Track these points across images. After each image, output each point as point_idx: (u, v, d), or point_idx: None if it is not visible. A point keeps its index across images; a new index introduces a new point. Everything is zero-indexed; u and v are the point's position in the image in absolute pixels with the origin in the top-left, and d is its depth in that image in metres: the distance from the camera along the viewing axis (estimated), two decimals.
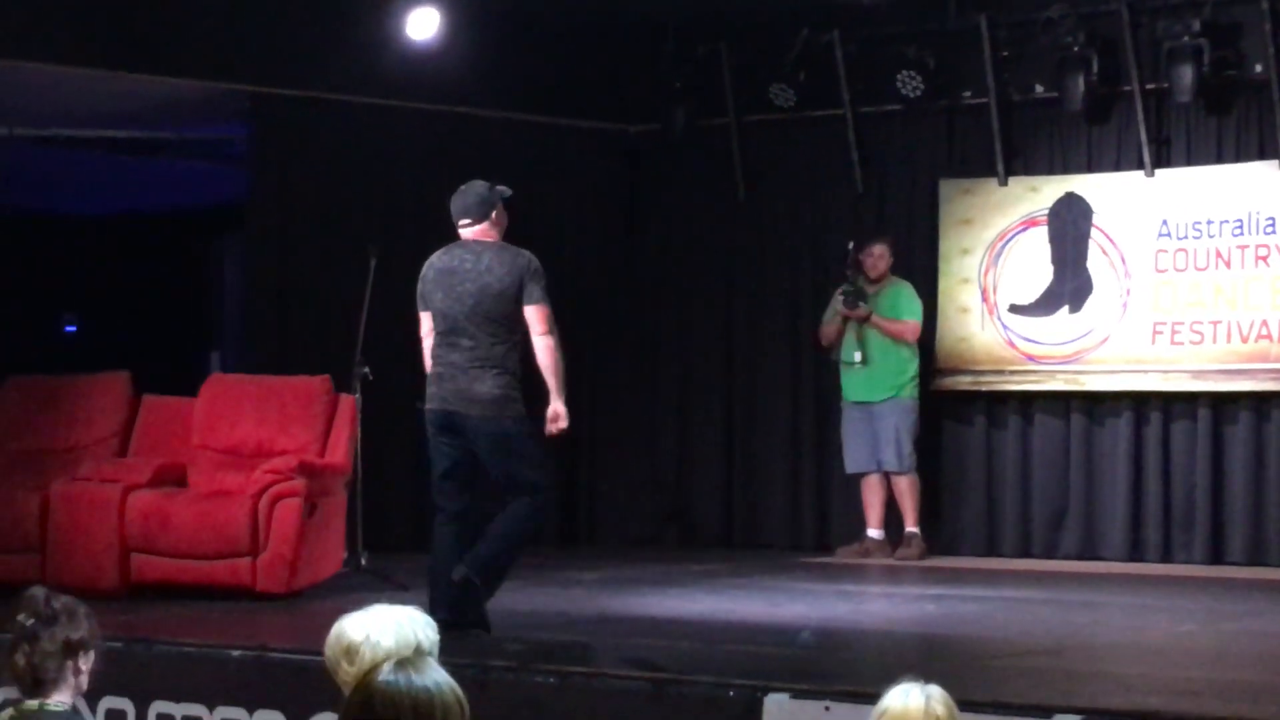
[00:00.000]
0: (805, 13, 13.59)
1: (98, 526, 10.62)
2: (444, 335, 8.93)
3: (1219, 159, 12.77)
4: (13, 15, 11.89)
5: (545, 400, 8.93)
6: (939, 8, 13.38)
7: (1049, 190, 13.23)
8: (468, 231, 9.11)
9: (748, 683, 7.12)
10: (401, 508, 13.47)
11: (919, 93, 13.35)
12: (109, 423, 11.51)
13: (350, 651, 4.39)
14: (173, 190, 17.29)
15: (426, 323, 9.11)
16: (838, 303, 13.11)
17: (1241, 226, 12.60)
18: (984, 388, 13.40)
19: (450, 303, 8.90)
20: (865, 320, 13.04)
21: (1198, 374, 12.67)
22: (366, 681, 3.66)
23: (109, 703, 7.94)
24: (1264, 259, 12.53)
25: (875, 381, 13.06)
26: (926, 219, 13.67)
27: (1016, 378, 13.26)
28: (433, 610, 8.65)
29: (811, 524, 14.05)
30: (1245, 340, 12.55)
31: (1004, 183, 13.36)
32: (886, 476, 13.09)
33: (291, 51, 13.03)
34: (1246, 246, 12.59)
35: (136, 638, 8.40)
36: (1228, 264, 12.64)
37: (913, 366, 13.11)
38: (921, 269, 13.63)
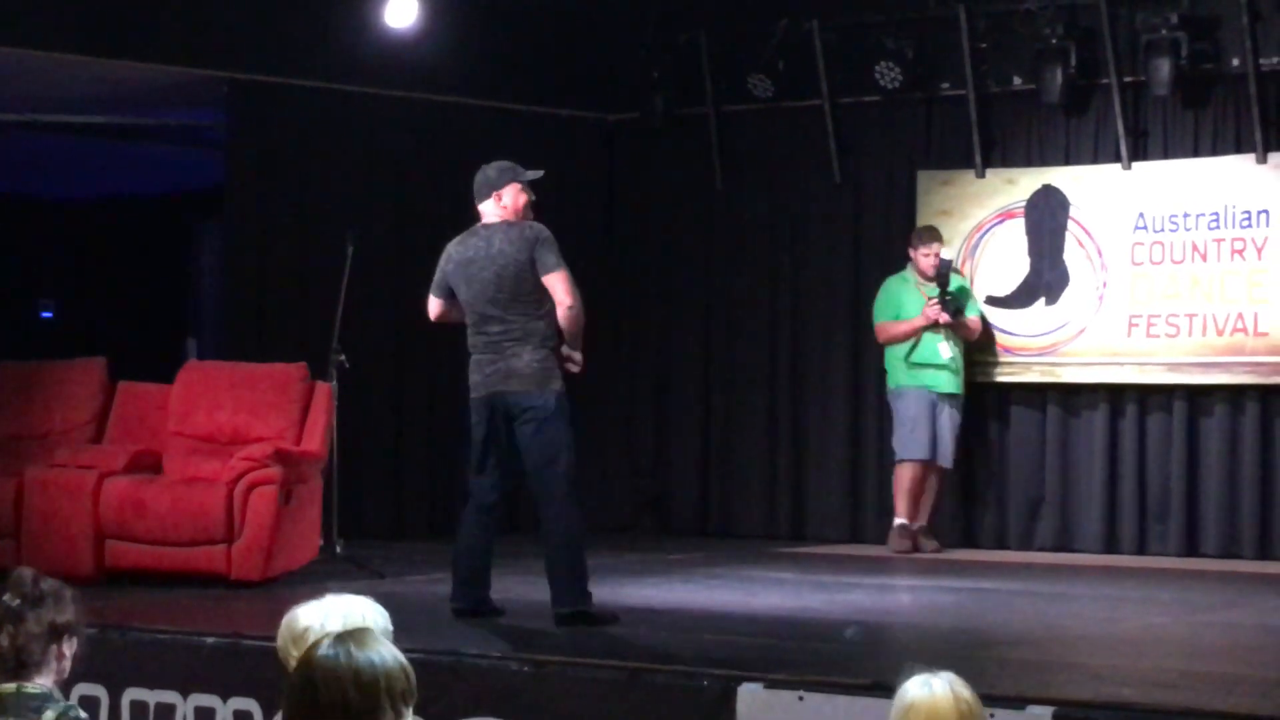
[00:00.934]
0: (784, 2, 13.60)
1: (73, 513, 10.60)
2: (475, 325, 9.02)
3: (1196, 152, 12.80)
4: None
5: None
6: None
7: (1026, 182, 13.25)
8: (482, 211, 9.21)
9: (722, 672, 7.13)
10: (377, 495, 13.50)
11: (897, 83, 13.37)
12: (85, 409, 11.50)
13: (300, 640, 4.40)
14: (150, 176, 17.27)
15: (436, 308, 9.25)
16: (932, 312, 12.75)
17: (1218, 220, 12.63)
18: None
19: (474, 293, 8.99)
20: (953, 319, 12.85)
21: (1174, 367, 12.70)
22: (307, 657, 3.64)
23: (82, 689, 7.91)
24: (1240, 252, 12.56)
25: (957, 378, 12.90)
26: (904, 210, 13.68)
27: (993, 369, 13.28)
28: (453, 598, 8.88)
29: (787, 513, 14.07)
30: (1221, 333, 12.58)
31: (981, 174, 13.38)
32: (926, 469, 12.87)
33: (269, 38, 13.01)
34: (1223, 240, 12.62)
35: (110, 624, 8.38)
36: (1204, 257, 12.67)
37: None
38: (899, 260, 13.63)
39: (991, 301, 13.28)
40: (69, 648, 4.97)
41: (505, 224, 9.06)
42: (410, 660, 6.30)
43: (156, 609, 9.49)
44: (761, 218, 14.26)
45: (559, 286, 8.91)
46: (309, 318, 12.59)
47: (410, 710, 3.68)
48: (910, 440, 12.82)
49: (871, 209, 13.90)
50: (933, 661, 7.87)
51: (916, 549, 12.71)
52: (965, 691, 4.31)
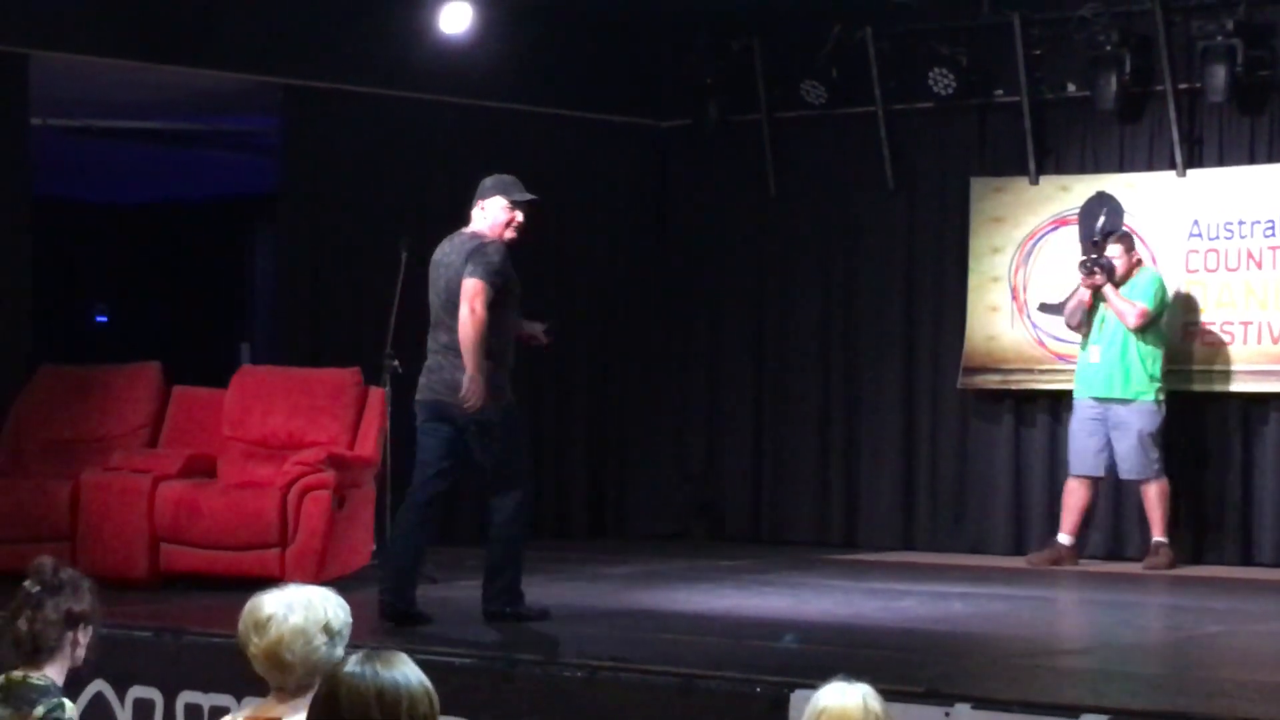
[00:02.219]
0: (838, 9, 13.58)
1: (128, 516, 10.66)
2: (431, 328, 9.14)
3: (1251, 159, 12.74)
4: (46, 7, 11.96)
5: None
6: (972, 4, 13.36)
7: (1080, 189, 13.21)
8: (469, 217, 9.29)
9: (775, 679, 7.12)
10: None
11: (951, 90, 13.34)
12: (139, 413, 11.55)
13: (260, 626, 4.48)
14: (205, 181, 17.35)
15: None
16: (1080, 273, 12.41)
17: (1273, 227, 12.56)
18: (1012, 386, 13.37)
19: (433, 296, 9.13)
20: (1098, 290, 12.34)
21: (1229, 374, 12.63)
22: (333, 673, 3.69)
23: (137, 692, 7.97)
24: None
25: (1120, 380, 12.34)
26: (957, 217, 13.65)
27: (1045, 377, 13.23)
28: (381, 591, 8.85)
29: (839, 520, 14.06)
30: (1276, 341, 12.52)
31: (1035, 181, 13.34)
32: (1094, 482, 12.46)
33: (323, 44, 13.06)
34: (1278, 247, 12.56)
35: (165, 628, 8.43)
36: (1259, 264, 12.61)
37: (1155, 365, 12.37)
38: (952, 267, 13.62)
39: (1044, 308, 13.23)
40: (84, 636, 5.11)
41: (469, 235, 9.11)
42: (464, 664, 6.34)
43: (211, 613, 9.51)
44: (815, 224, 14.24)
45: (467, 294, 8.84)
46: (362, 323, 12.63)
47: None
48: (1070, 454, 12.61)
49: (925, 216, 13.88)
50: (983, 668, 7.88)
51: (1056, 563, 12.40)
52: (876, 705, 4.38)
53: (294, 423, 11.10)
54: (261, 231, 16.95)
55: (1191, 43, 12.62)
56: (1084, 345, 12.52)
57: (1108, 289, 12.32)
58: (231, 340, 17.37)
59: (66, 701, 5.10)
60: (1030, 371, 13.27)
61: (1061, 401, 13.22)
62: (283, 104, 13.21)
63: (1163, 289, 12.39)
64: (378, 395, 11.15)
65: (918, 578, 11.84)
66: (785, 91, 14.00)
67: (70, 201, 17.71)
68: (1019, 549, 13.24)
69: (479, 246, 8.94)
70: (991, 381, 13.43)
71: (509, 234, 9.15)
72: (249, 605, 4.53)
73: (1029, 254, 13.33)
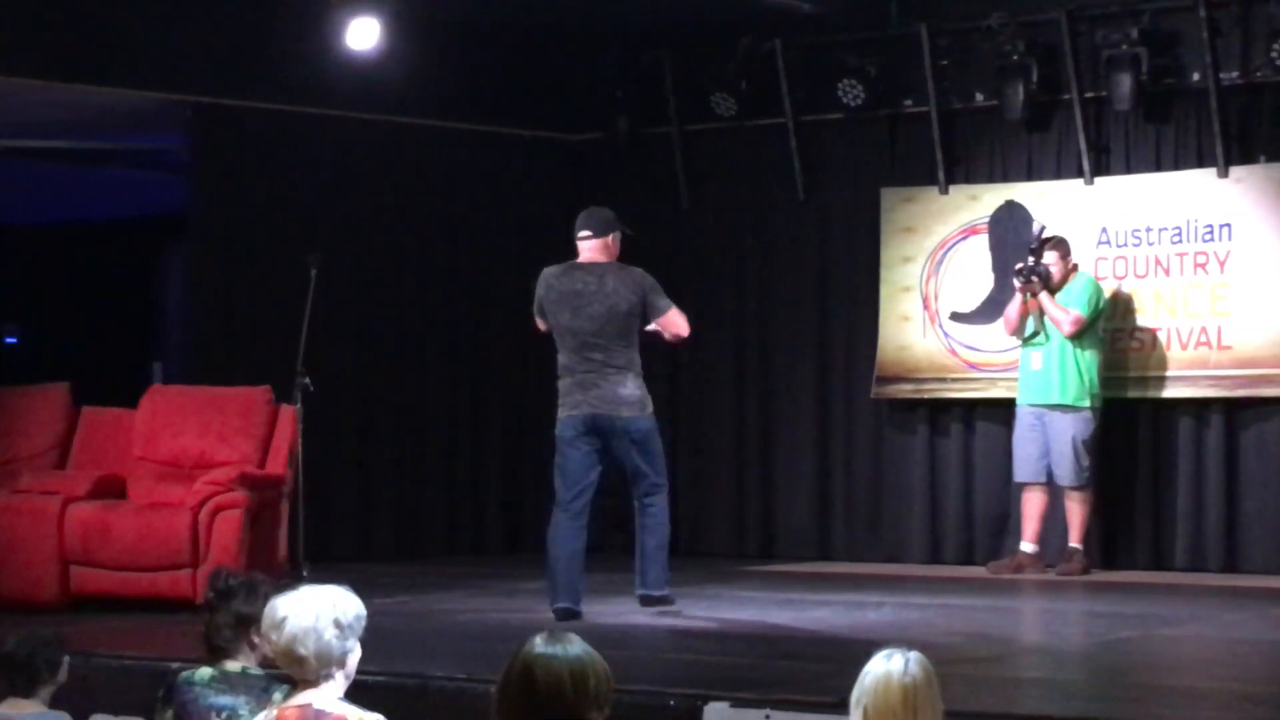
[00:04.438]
0: (747, 21, 13.61)
1: (37, 538, 10.56)
2: (576, 350, 9.96)
3: (1158, 167, 12.84)
4: None
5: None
6: (880, 16, 13.42)
7: (989, 198, 13.29)
8: (584, 245, 10.09)
9: (688, 691, 7.12)
10: (343, 518, 13.48)
11: (860, 101, 13.39)
12: (48, 434, 11.45)
13: (276, 627, 4.89)
14: (115, 200, 17.23)
15: (543, 325, 10.17)
16: (1015, 282, 12.47)
17: (1180, 234, 12.67)
18: (926, 395, 13.43)
19: (580, 322, 9.93)
20: (1034, 297, 12.35)
21: (1138, 381, 12.72)
22: (524, 655, 4.11)
23: (49, 717, 7.87)
24: (1203, 266, 12.60)
25: (1058, 387, 12.38)
26: (868, 227, 13.70)
27: (958, 385, 13.30)
28: (555, 600, 9.67)
29: (756, 532, 14.08)
30: (1185, 347, 12.62)
31: (945, 191, 13.41)
32: (1045, 486, 12.48)
33: (233, 62, 13.01)
34: (1185, 254, 12.66)
35: (75, 650, 8.33)
36: (1167, 271, 12.71)
37: (1093, 372, 12.40)
38: (864, 277, 13.67)
39: (956, 317, 13.30)
40: (259, 636, 5.54)
41: (617, 265, 10.03)
42: (376, 683, 6.33)
43: (122, 635, 9.45)
44: (727, 236, 14.27)
45: (678, 321, 10.14)
46: (274, 341, 12.55)
47: (608, 711, 4.13)
48: (1014, 461, 12.66)
49: (836, 226, 13.93)
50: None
51: (1019, 570, 12.42)
52: (918, 669, 4.47)
53: (204, 442, 11.03)
54: (172, 250, 16.83)
55: (1097, 52, 12.71)
56: (1024, 348, 12.57)
57: (1043, 297, 12.41)
58: (143, 360, 17.26)
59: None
60: (943, 380, 13.33)
61: (975, 410, 13.29)
62: (192, 122, 13.15)
63: (1097, 294, 12.47)
64: (289, 413, 11.09)
65: (833, 588, 11.86)
66: (695, 104, 14.03)
67: None
68: (935, 557, 13.31)
69: (649, 280, 10.04)
70: (905, 391, 13.48)
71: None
72: (267, 608, 4.96)
73: (940, 263, 13.39)
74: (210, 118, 13.11)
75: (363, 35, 12.94)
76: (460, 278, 14.18)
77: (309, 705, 4.79)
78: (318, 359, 11.56)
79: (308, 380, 11.22)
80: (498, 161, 14.32)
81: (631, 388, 9.92)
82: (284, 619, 4.86)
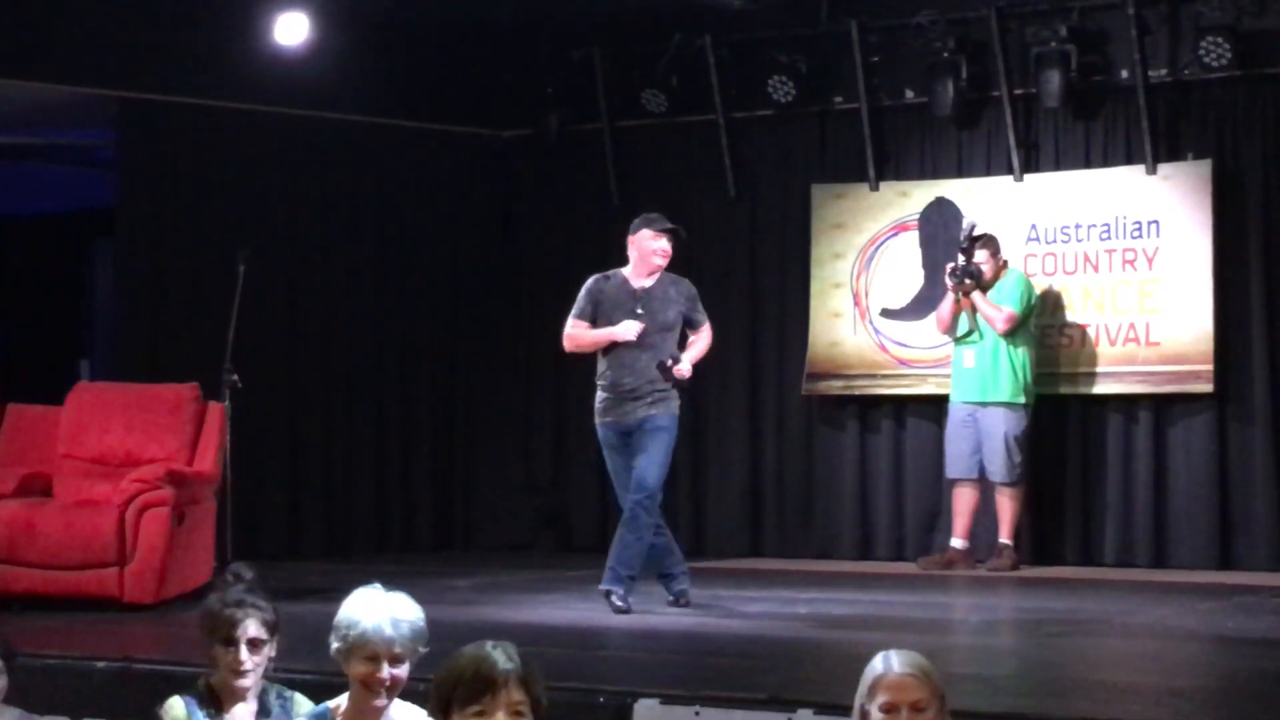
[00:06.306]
0: (677, 17, 13.61)
1: None
2: (617, 355, 10.34)
3: (1087, 164, 12.90)
4: None
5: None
6: (810, 12, 13.44)
7: (919, 195, 13.32)
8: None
9: (618, 689, 7.10)
10: (272, 516, 13.42)
11: (790, 97, 13.41)
12: None
13: (336, 629, 5.43)
14: (41, 196, 17.07)
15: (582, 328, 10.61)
16: (948, 281, 12.52)
17: (1109, 231, 12.73)
18: (856, 392, 13.45)
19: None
20: (967, 296, 12.42)
21: (1067, 377, 12.78)
22: (477, 655, 4.65)
23: None
24: (1131, 263, 12.66)
25: (990, 384, 12.45)
26: (799, 223, 13.72)
27: (888, 381, 13.33)
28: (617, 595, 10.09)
29: (687, 529, 14.04)
30: (1113, 344, 12.68)
31: (875, 187, 13.43)
32: (976, 482, 12.54)
33: (159, 57, 12.92)
34: (1114, 250, 12.72)
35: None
36: (1096, 268, 12.77)
37: (1026, 369, 12.46)
38: (794, 273, 13.68)
39: (886, 314, 13.33)
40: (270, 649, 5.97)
41: (670, 277, 10.44)
42: (304, 682, 6.32)
43: (47, 634, 9.35)
44: None
45: (710, 331, 10.58)
46: (202, 338, 12.48)
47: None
48: (946, 458, 12.71)
49: (766, 223, 13.94)
50: (825, 673, 7.89)
51: (949, 566, 12.45)
52: (924, 661, 4.66)
53: (131, 439, 10.94)
54: (100, 246, 16.70)
55: (1026, 49, 12.76)
56: (957, 346, 12.60)
57: (976, 295, 12.46)
58: (71, 357, 17.13)
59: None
60: (874, 377, 13.36)
61: (906, 406, 13.32)
62: (119, 117, 13.07)
63: (1029, 290, 12.52)
64: (216, 410, 11.02)
65: (764, 584, 11.86)
66: (626, 100, 14.02)
67: None
68: (866, 553, 13.34)
69: (695, 294, 10.55)
70: (835, 387, 13.50)
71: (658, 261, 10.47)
72: (339, 613, 5.45)
73: (870, 259, 13.41)
74: (137, 113, 13.04)
75: (291, 30, 12.89)
76: (389, 274, 14.13)
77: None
78: (246, 356, 11.51)
79: (236, 377, 11.18)
80: (428, 157, 14.28)
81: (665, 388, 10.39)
82: (341, 624, 5.39)
